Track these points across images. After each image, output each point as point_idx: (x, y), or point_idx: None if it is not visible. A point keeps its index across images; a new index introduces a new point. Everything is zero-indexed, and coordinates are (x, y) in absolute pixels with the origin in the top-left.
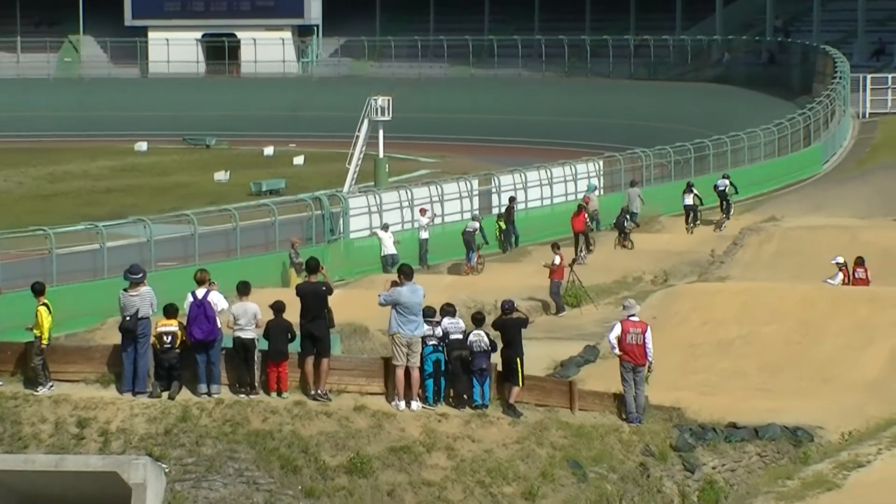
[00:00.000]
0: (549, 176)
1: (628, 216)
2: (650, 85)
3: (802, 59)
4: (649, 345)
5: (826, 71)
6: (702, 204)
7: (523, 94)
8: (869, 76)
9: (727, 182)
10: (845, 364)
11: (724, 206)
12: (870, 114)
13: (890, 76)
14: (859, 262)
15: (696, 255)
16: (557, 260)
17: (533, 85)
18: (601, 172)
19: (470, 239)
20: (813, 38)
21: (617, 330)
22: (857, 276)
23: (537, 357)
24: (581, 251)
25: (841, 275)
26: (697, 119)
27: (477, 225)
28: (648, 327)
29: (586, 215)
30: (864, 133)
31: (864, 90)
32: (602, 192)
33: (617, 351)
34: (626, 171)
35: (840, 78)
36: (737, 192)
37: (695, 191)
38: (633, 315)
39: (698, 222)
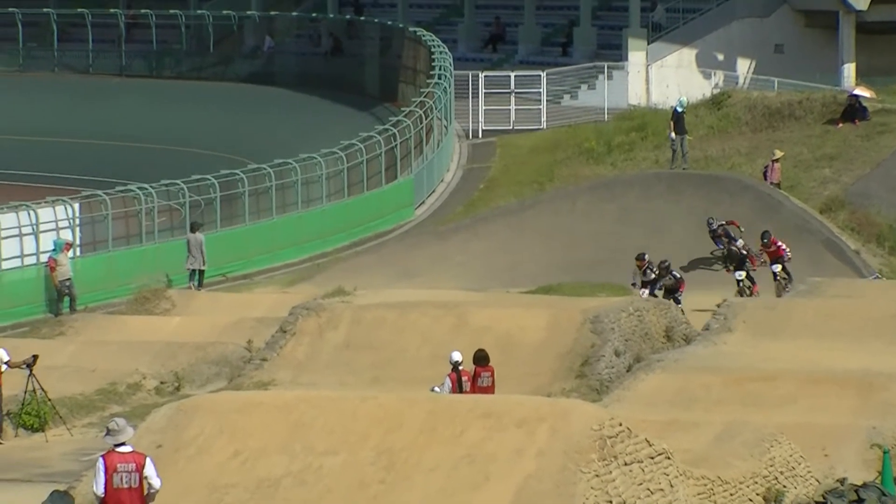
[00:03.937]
0: None
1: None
2: (151, 85)
3: (383, 48)
4: (153, 481)
5: (419, 66)
6: None
7: None
8: (482, 74)
9: None
10: None
11: None
12: (484, 132)
13: (513, 75)
14: (481, 360)
15: (223, 348)
16: None
17: None
18: (77, 221)
19: None
20: (399, 17)
21: (99, 470)
22: (479, 382)
23: None
24: None
25: (449, 381)
26: (225, 138)
27: None
28: (149, 460)
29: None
30: (476, 161)
31: (477, 96)
32: (80, 251)
33: None
34: (118, 219)
35: (440, 77)
36: None
37: None
38: (122, 444)
39: None
